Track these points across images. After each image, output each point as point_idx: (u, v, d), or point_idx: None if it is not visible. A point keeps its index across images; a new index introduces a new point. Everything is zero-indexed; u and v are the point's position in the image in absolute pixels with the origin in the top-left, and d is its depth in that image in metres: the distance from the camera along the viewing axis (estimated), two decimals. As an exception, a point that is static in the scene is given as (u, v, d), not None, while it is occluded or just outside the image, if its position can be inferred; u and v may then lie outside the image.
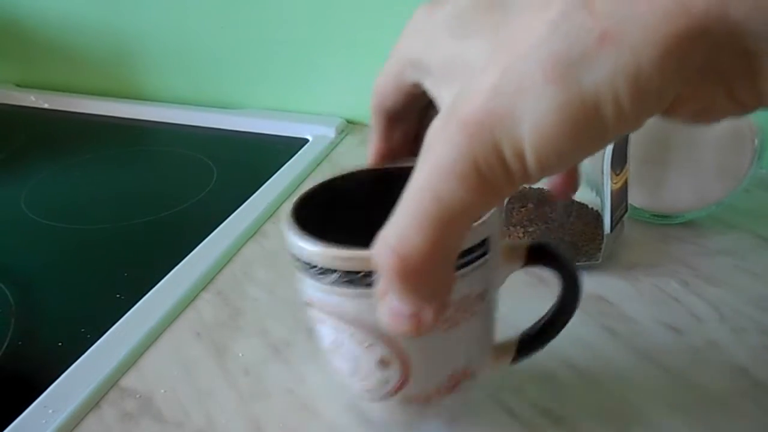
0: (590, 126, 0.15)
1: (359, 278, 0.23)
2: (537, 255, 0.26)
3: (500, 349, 0.29)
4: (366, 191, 0.29)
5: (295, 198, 0.27)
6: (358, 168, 0.29)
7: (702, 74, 0.15)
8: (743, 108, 0.16)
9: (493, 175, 0.16)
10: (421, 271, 0.17)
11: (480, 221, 0.23)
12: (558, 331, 0.28)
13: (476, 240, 0.23)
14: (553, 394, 0.32)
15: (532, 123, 0.15)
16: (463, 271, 0.23)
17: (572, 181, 0.26)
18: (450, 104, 0.17)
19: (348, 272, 0.23)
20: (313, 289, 0.24)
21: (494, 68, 0.16)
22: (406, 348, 0.24)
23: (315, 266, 0.23)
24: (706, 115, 0.16)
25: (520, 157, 0.15)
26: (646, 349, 0.35)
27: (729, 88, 0.15)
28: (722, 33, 0.14)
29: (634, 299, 0.39)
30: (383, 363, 0.25)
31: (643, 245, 0.45)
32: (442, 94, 0.21)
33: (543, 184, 0.42)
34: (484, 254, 0.24)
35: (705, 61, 0.14)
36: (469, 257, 0.23)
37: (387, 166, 0.28)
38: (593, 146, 0.16)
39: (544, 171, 0.16)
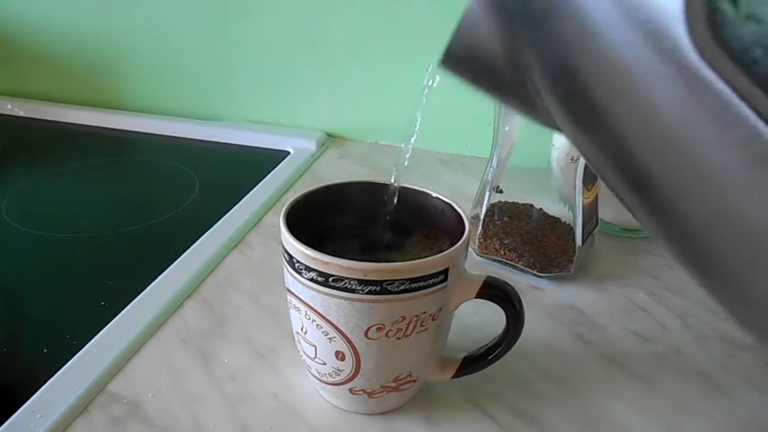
0: None
1: (332, 281, 0.26)
2: (490, 290, 0.29)
3: (445, 363, 0.32)
4: (362, 200, 0.33)
5: (294, 198, 0.31)
6: (357, 180, 0.33)
7: None
8: None
9: None
10: None
11: (445, 253, 0.27)
12: (497, 359, 0.31)
13: (438, 269, 0.27)
14: (528, 397, 0.33)
15: None
16: (421, 292, 0.27)
17: None
18: None
19: (323, 273, 0.26)
20: (293, 280, 0.28)
21: None
22: (361, 348, 0.28)
23: (297, 262, 0.27)
24: None
25: None
26: (615, 355, 0.37)
27: None
28: None
29: (605, 309, 0.41)
30: (339, 355, 0.28)
31: (612, 257, 0.47)
32: None
33: (523, 199, 0.44)
34: (443, 281, 0.27)
35: None
36: (430, 281, 0.27)
37: (378, 181, 0.33)
38: None
39: None
